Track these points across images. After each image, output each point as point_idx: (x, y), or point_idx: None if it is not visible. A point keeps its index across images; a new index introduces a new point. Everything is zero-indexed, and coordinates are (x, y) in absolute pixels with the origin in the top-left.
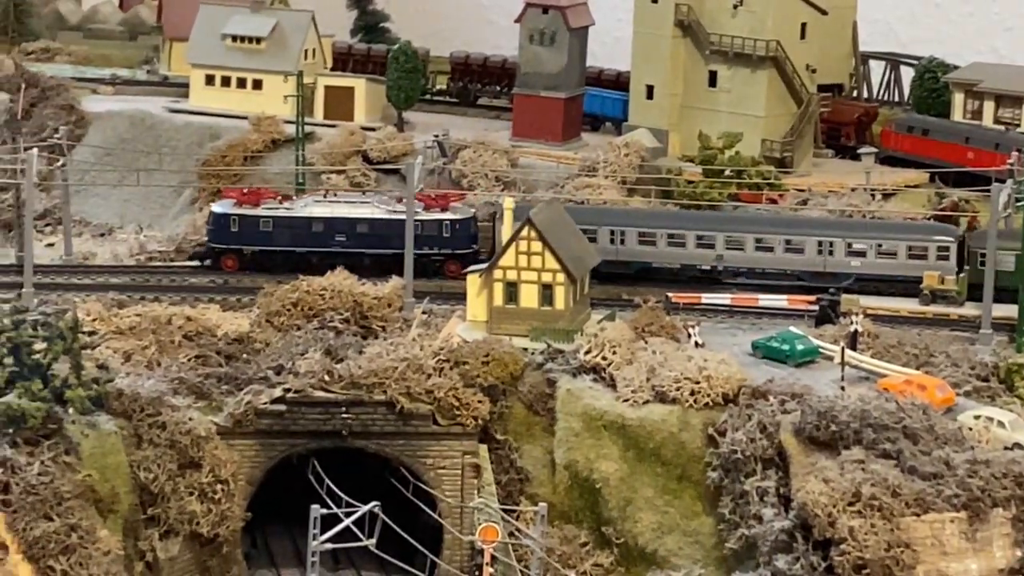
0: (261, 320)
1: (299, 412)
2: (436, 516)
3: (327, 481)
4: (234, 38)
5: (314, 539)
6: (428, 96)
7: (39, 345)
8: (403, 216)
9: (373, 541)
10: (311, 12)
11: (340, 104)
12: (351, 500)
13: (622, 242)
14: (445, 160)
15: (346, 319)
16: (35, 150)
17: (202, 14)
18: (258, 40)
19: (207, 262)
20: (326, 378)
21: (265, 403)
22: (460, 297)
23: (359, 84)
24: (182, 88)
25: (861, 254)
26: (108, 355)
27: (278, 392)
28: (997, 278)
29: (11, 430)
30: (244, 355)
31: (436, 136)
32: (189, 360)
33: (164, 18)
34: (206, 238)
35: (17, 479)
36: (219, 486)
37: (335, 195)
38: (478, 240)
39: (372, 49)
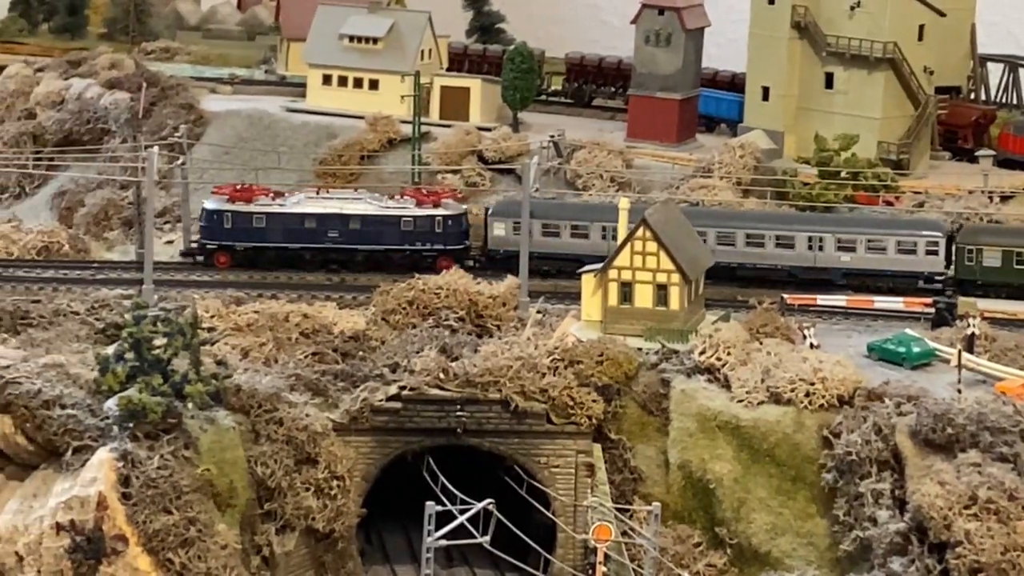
0: (377, 318)
1: (414, 410)
2: (550, 515)
3: (442, 478)
4: (351, 38)
5: (429, 535)
6: (543, 97)
7: (159, 341)
8: (395, 212)
9: (487, 538)
10: (428, 13)
11: (456, 104)
12: (465, 497)
13: (614, 238)
14: (560, 160)
15: (461, 318)
16: (155, 148)
17: (320, 14)
18: (375, 40)
19: (199, 259)
20: (441, 376)
21: (381, 400)
22: (575, 297)
23: (475, 84)
24: (299, 88)
25: (851, 249)
26: (226, 351)
27: (394, 390)
28: (983, 274)
29: (131, 424)
30: (360, 352)
31: (552, 136)
32: (306, 357)
33: (282, 18)
34: (198, 235)
35: (137, 472)
36: (335, 482)
37: (327, 191)
38: (470, 236)
39: (488, 50)
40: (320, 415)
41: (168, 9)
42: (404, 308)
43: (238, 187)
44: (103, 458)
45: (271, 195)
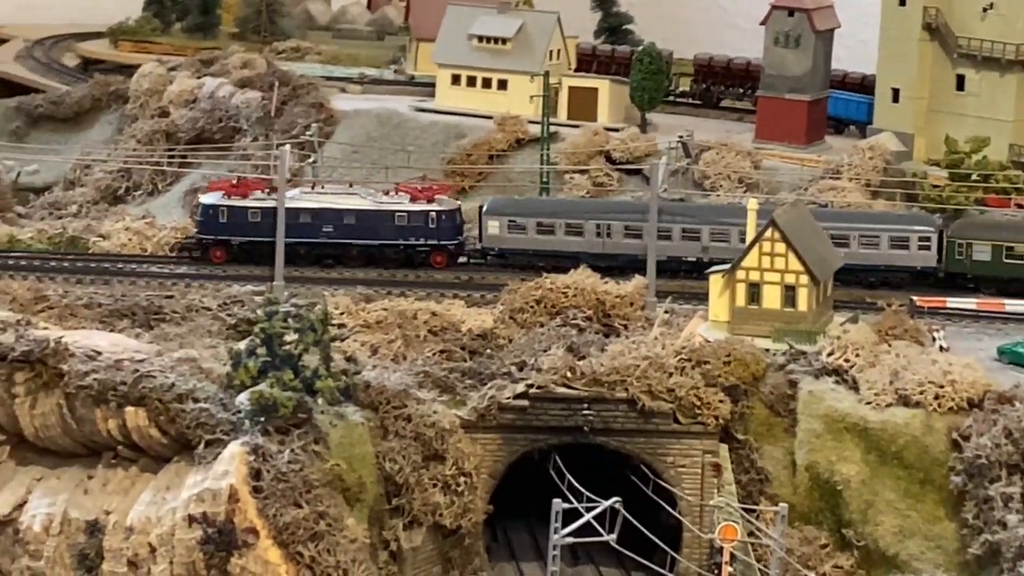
0: (505, 316)
1: (541, 408)
2: (676, 514)
3: (568, 476)
4: (480, 38)
5: (555, 533)
6: (671, 98)
7: (290, 336)
8: (389, 207)
9: (614, 537)
10: (556, 13)
11: (584, 105)
12: (592, 495)
13: (608, 235)
14: (689, 161)
15: (589, 317)
16: (287, 147)
17: (449, 15)
18: (504, 41)
19: (196, 254)
20: (568, 375)
21: (508, 398)
22: (702, 297)
23: (603, 85)
24: (428, 87)
25: (844, 244)
26: (356, 348)
27: (521, 388)
28: (973, 267)
29: (263, 418)
30: (488, 350)
31: (680, 137)
32: (434, 354)
33: (411, 18)
34: (195, 229)
35: (268, 466)
36: (462, 479)
37: (322, 187)
38: (463, 232)
39: (616, 51)
40: (448, 412)
41: (299, 9)
42: (532, 307)
43: (234, 182)
44: (235, 452)
45: (267, 190)
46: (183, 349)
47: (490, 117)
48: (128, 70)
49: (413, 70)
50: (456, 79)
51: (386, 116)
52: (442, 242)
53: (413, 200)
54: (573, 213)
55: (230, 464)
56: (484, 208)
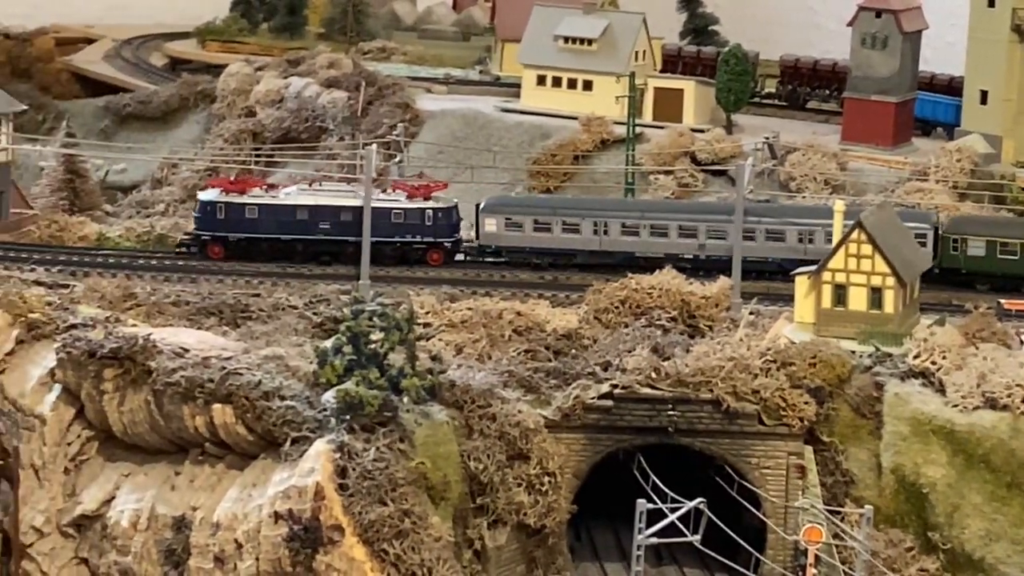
0: (589, 317)
1: (626, 408)
2: (760, 515)
3: (652, 477)
4: (566, 39)
5: (639, 533)
6: (757, 99)
7: (376, 335)
8: (385, 204)
9: (698, 537)
10: (642, 14)
11: (669, 105)
12: (676, 496)
13: (606, 233)
14: (774, 162)
15: (673, 317)
16: (374, 146)
17: (535, 15)
18: (590, 41)
19: (194, 250)
20: (653, 375)
21: (593, 398)
22: (788, 299)
23: (688, 86)
24: (513, 88)
25: None
26: (441, 347)
27: (605, 388)
28: (968, 263)
29: (348, 416)
30: (572, 351)
31: (766, 138)
32: (518, 354)
33: (497, 19)
34: (193, 226)
35: (354, 464)
36: (546, 478)
37: (320, 184)
38: (460, 229)
39: (702, 52)
40: (532, 412)
41: (385, 10)
42: (616, 307)
43: (232, 179)
44: (320, 449)
45: (264, 187)
46: (270, 347)
47: (575, 118)
48: (215, 70)
49: (498, 71)
50: (541, 80)
51: (471, 116)
52: (438, 240)
53: (409, 198)
54: (570, 211)
55: (316, 462)
56: (481, 206)
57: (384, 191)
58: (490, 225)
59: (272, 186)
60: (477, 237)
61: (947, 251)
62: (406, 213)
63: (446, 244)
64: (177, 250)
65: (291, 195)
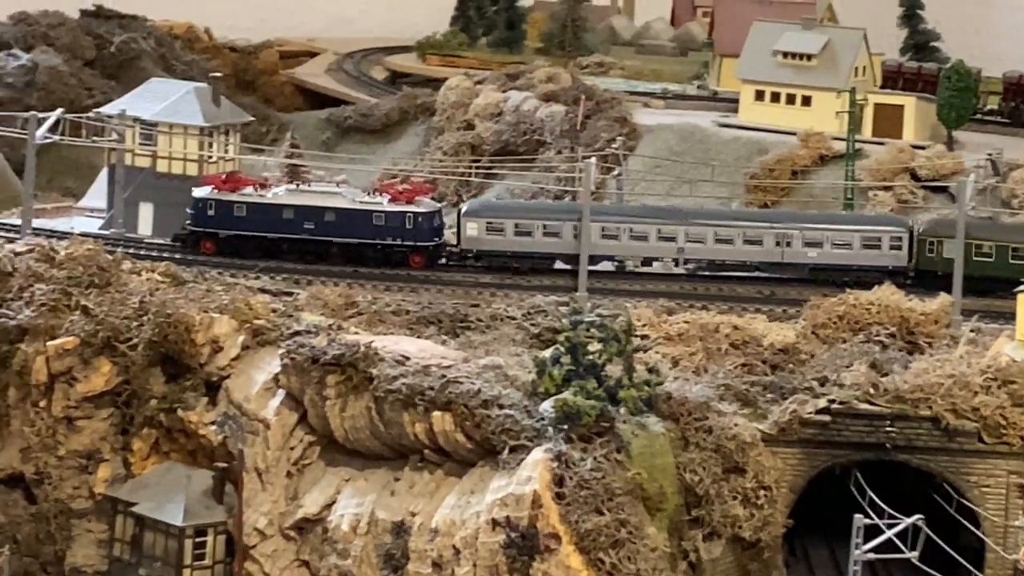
0: (807, 332)
1: (843, 423)
2: (979, 534)
3: (869, 493)
4: (785, 54)
5: (856, 549)
6: (978, 116)
7: (594, 346)
8: (368, 207)
9: (916, 554)
10: (863, 30)
11: (889, 121)
12: (893, 512)
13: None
14: (997, 179)
15: (892, 334)
16: (593, 159)
17: (754, 31)
18: (809, 57)
19: (188, 245)
20: (871, 391)
21: (810, 413)
22: (1009, 317)
23: (909, 102)
24: (731, 103)
25: (817, 245)
26: (657, 359)
27: (823, 403)
28: (944, 265)
29: (566, 426)
30: (789, 365)
31: (989, 154)
32: (735, 368)
33: (715, 34)
34: (188, 221)
35: (571, 473)
36: (762, 492)
37: (308, 184)
38: (443, 234)
39: (923, 68)
40: (749, 425)
41: (603, 25)
42: (834, 322)
43: (224, 176)
44: (538, 458)
45: (256, 186)
46: (489, 356)
47: (793, 133)
48: (435, 83)
49: (716, 85)
50: (760, 95)
51: (689, 131)
52: (419, 243)
53: (392, 201)
54: (550, 216)
55: (534, 470)
56: (463, 210)
57: (369, 193)
58: (472, 229)
59: (263, 185)
60: (459, 241)
61: (923, 254)
62: (387, 216)
63: (428, 247)
64: (173, 244)
65: (279, 195)
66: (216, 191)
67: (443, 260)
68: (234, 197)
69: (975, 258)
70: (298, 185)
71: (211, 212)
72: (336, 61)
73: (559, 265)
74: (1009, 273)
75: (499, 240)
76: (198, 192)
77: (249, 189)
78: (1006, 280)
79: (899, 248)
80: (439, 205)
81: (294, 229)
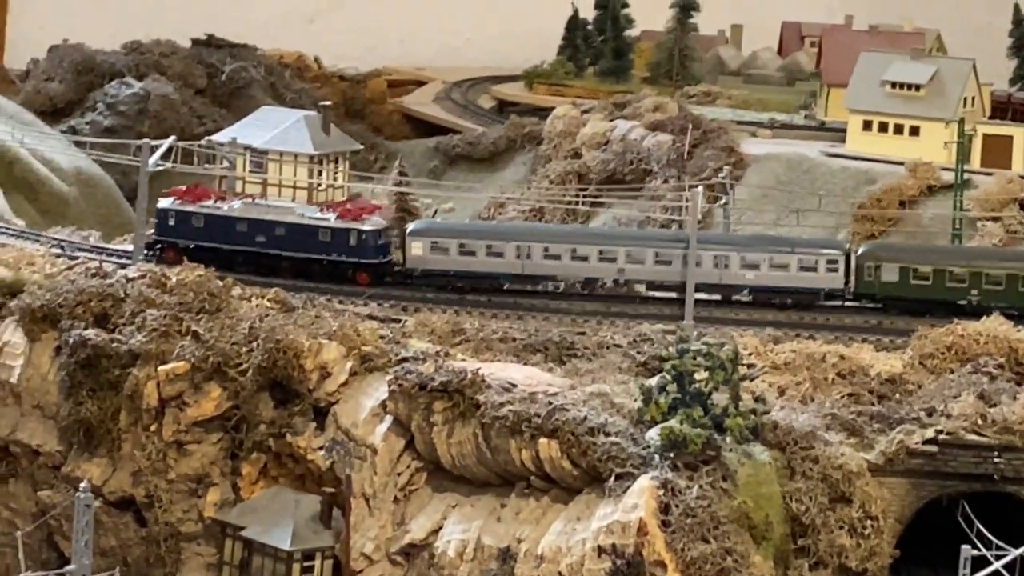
0: (914, 362)
1: (950, 454)
2: None
3: (977, 524)
4: (893, 84)
5: None
6: None
7: (701, 375)
8: (315, 222)
9: None
10: (972, 60)
11: (998, 152)
12: (1001, 544)
13: (528, 257)
14: None
15: (1000, 364)
16: (700, 188)
17: (862, 61)
18: (918, 87)
19: (153, 254)
20: (979, 422)
21: (917, 443)
22: None
23: (1019, 132)
24: (838, 133)
25: (755, 267)
26: (763, 388)
27: (930, 433)
28: (882, 288)
29: (672, 454)
30: (896, 395)
31: None
32: (841, 397)
33: (823, 64)
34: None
35: (677, 501)
36: (869, 522)
37: (264, 199)
38: (389, 252)
39: None
40: (855, 455)
41: (710, 54)
42: (942, 353)
43: (185, 188)
44: (644, 486)
45: (215, 198)
46: (595, 384)
47: (901, 163)
48: (542, 112)
49: (823, 115)
50: (868, 125)
51: (796, 161)
52: (364, 260)
53: (340, 218)
54: (494, 236)
55: (640, 498)
56: (408, 230)
57: (321, 210)
58: (416, 249)
59: (222, 197)
60: (404, 261)
61: (862, 277)
62: (333, 232)
63: (372, 265)
64: (146, 252)
65: (235, 207)
66: (177, 202)
67: (388, 279)
68: (192, 208)
69: (912, 281)
70: (254, 199)
71: (172, 222)
72: (444, 90)
73: (508, 286)
74: (946, 296)
75: (443, 260)
76: (162, 203)
77: (210, 201)
78: (942, 303)
79: (835, 271)
80: (385, 224)
81: (247, 242)
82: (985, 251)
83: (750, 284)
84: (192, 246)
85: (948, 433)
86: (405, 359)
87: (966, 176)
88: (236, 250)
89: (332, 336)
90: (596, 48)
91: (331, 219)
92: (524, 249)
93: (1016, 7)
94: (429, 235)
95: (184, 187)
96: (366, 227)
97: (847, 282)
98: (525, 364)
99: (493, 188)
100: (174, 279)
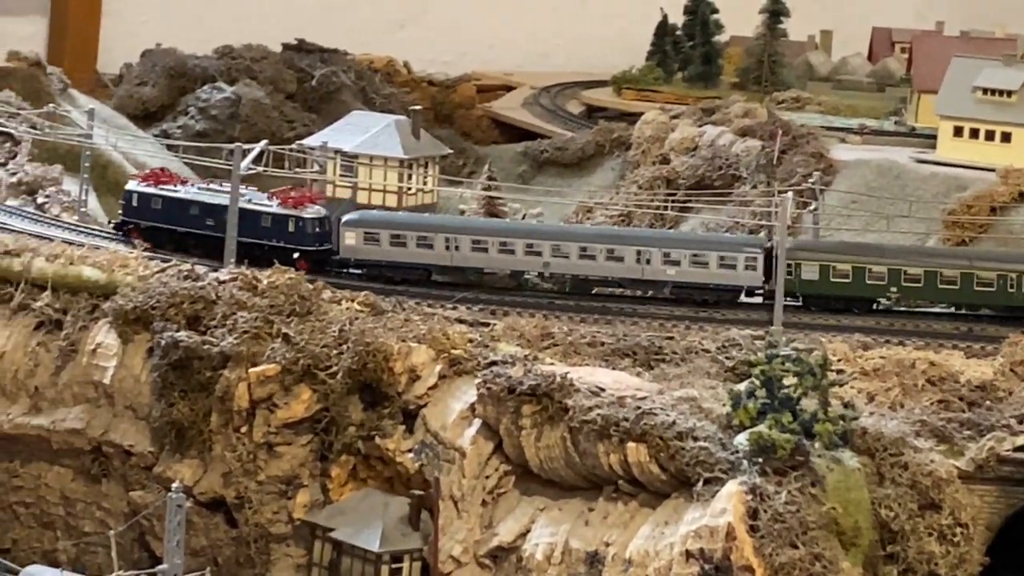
0: (1005, 368)
1: None
2: None
3: None
4: (985, 91)
5: None
6: None
7: (789, 380)
8: (257, 208)
9: None
10: None
11: None
12: None
13: (456, 249)
14: None
15: None
16: (789, 194)
17: (954, 66)
18: (1009, 93)
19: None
20: None
21: (1008, 450)
22: None
23: None
24: (929, 139)
25: (676, 263)
26: (853, 394)
27: (1021, 440)
28: (802, 286)
29: (761, 459)
30: (987, 402)
31: None
32: (931, 404)
33: (914, 70)
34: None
35: (765, 506)
36: (958, 529)
37: (219, 184)
38: (327, 241)
39: None
40: (945, 462)
41: (799, 60)
42: None
43: (148, 171)
44: (733, 490)
45: (176, 182)
46: (683, 389)
47: (993, 169)
48: (630, 117)
49: (914, 121)
50: (958, 131)
51: (886, 167)
52: (303, 247)
53: (282, 205)
54: (425, 228)
55: (728, 502)
56: (343, 220)
57: (268, 197)
58: (350, 239)
59: (183, 181)
60: (338, 251)
61: (795, 275)
62: (273, 218)
63: (311, 252)
64: (114, 232)
65: (190, 191)
66: (140, 184)
67: (327, 267)
68: (152, 191)
69: (831, 279)
70: (208, 183)
71: (135, 204)
72: (532, 95)
73: (436, 277)
74: (865, 293)
75: (375, 249)
76: (129, 185)
77: (172, 186)
78: (862, 299)
79: (754, 268)
80: (325, 212)
81: (198, 225)
82: (904, 249)
83: (671, 280)
84: (150, 227)
85: None
86: (494, 363)
87: None
88: (188, 232)
89: (421, 339)
90: (685, 53)
91: (273, 206)
92: (453, 241)
93: None
94: (362, 225)
95: (149, 170)
96: (305, 215)
97: (766, 280)
98: (613, 368)
99: (581, 193)
100: (265, 282)
